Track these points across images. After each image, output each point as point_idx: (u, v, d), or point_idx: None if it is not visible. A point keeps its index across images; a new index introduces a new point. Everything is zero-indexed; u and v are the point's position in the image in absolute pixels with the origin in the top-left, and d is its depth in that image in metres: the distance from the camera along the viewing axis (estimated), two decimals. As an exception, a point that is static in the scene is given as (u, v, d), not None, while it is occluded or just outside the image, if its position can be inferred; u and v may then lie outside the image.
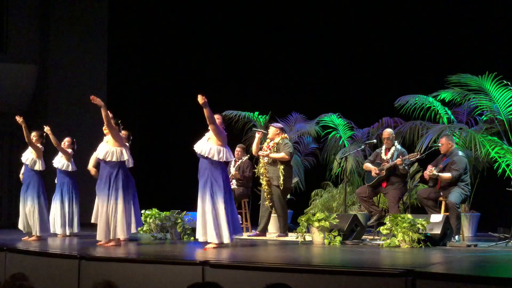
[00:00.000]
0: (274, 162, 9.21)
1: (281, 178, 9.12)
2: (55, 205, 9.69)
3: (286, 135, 9.59)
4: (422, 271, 4.82)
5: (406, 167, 8.74)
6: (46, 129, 9.29)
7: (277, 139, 9.29)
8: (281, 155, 9.16)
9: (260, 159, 9.44)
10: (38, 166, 9.26)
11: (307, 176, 11.91)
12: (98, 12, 14.28)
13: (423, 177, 9.00)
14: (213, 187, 7.23)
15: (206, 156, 7.28)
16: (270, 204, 9.28)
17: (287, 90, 13.18)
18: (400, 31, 12.02)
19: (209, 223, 7.16)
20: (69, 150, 9.78)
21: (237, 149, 10.31)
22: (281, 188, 9.16)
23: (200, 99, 7.21)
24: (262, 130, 9.53)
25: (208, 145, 7.32)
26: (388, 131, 9.20)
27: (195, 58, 14.42)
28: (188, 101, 14.03)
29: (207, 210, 7.18)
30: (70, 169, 9.73)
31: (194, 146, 7.43)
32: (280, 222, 9.39)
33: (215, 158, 7.26)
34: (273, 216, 10.38)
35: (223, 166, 7.46)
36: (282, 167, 9.15)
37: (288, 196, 10.75)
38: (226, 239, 7.18)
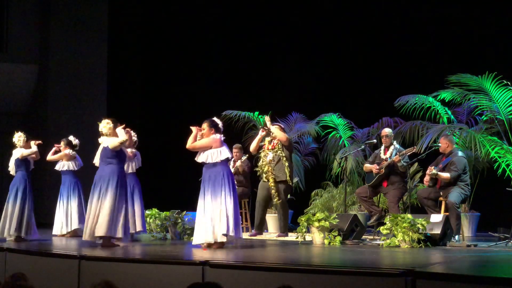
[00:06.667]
0: (279, 160, 9.19)
1: (287, 174, 9.13)
2: (58, 205, 9.74)
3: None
4: (422, 271, 4.81)
5: (404, 164, 8.74)
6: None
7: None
8: (283, 134, 9.22)
9: (262, 157, 9.39)
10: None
11: (307, 176, 11.90)
12: (98, 12, 14.28)
13: (423, 177, 9.01)
14: (220, 186, 7.28)
15: (201, 161, 7.39)
16: (280, 201, 9.21)
17: (287, 90, 13.18)
18: (400, 31, 12.02)
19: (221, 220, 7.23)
20: (67, 151, 9.78)
21: (234, 150, 10.28)
22: (290, 183, 9.17)
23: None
24: (267, 128, 9.40)
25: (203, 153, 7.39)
26: (386, 130, 9.23)
27: (195, 58, 14.43)
28: (188, 101, 14.12)
29: (214, 209, 7.23)
30: (68, 168, 9.76)
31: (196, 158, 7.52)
32: (281, 221, 9.37)
33: (209, 160, 7.35)
34: (273, 216, 10.37)
35: (223, 165, 7.45)
36: (287, 164, 9.16)
37: (288, 196, 10.75)
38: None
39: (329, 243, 7.91)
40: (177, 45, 14.65)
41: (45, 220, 11.24)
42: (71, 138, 10.02)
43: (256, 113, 11.86)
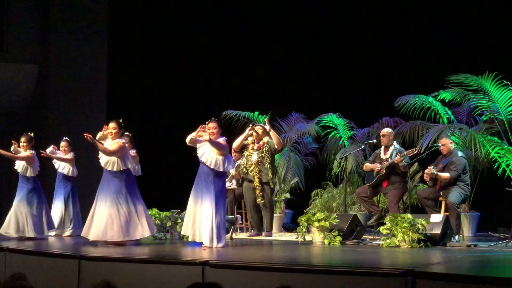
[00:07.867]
0: (262, 161, 9.21)
1: (270, 176, 9.19)
2: (55, 206, 9.71)
3: None
4: (422, 271, 4.81)
5: (405, 164, 8.74)
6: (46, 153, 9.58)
7: (265, 139, 9.29)
8: (280, 141, 9.28)
9: (246, 156, 9.38)
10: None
11: (307, 176, 11.90)
12: (98, 12, 14.26)
13: (423, 177, 9.01)
14: (213, 192, 7.31)
15: (212, 167, 7.36)
16: (263, 201, 9.25)
17: (287, 90, 13.18)
18: (400, 31, 12.03)
19: (207, 226, 7.24)
20: (71, 154, 9.72)
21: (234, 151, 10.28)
22: (271, 185, 9.22)
23: (206, 136, 7.27)
24: (255, 129, 9.41)
25: (212, 155, 7.35)
26: (384, 130, 9.24)
27: (195, 58, 14.42)
28: (188, 101, 14.11)
29: (206, 213, 7.24)
30: (70, 173, 9.71)
31: (198, 152, 7.46)
32: (266, 220, 9.39)
33: (221, 169, 7.36)
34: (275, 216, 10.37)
35: (224, 175, 7.58)
36: (269, 167, 9.23)
37: (288, 196, 10.76)
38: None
39: (329, 243, 7.91)
40: (177, 45, 14.65)
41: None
42: (67, 138, 9.99)
43: (256, 113, 11.87)
